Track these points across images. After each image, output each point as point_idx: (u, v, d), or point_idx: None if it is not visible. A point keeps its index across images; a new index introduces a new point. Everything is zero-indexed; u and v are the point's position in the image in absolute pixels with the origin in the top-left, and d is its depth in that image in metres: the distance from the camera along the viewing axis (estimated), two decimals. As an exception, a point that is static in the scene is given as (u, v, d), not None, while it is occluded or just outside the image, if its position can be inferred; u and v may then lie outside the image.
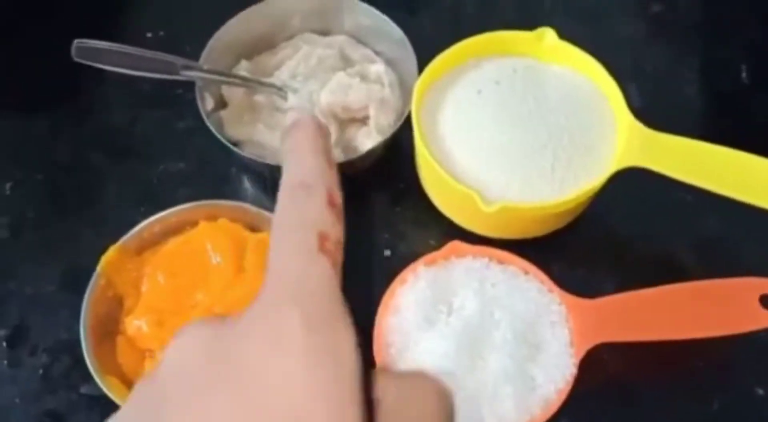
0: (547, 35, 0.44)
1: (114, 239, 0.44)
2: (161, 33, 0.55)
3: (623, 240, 0.46)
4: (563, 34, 0.54)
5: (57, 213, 0.48)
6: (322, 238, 0.21)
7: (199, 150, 0.50)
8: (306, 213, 0.22)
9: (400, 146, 0.47)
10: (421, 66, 0.47)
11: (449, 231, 0.46)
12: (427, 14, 0.56)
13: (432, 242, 0.46)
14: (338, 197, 0.22)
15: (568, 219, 0.44)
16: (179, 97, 0.51)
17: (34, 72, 0.53)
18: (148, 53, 0.43)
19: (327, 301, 0.20)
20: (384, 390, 0.19)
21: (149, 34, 0.55)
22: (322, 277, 0.20)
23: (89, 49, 0.42)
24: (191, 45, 0.54)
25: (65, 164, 0.49)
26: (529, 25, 0.55)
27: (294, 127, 0.24)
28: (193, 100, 0.46)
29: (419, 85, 0.43)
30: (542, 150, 0.40)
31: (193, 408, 0.19)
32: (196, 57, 0.48)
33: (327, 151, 0.24)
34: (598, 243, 0.46)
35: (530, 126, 0.41)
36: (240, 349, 0.19)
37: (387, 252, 0.46)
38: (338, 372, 0.18)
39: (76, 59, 0.42)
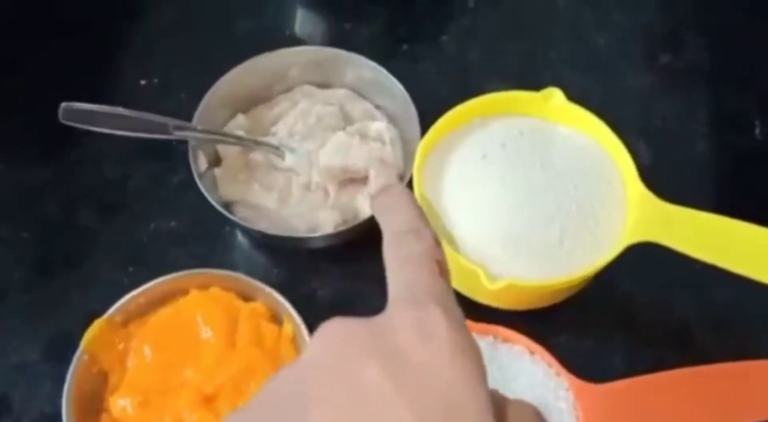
0: (555, 96, 0.43)
1: (101, 303, 0.43)
2: (155, 80, 0.54)
3: (633, 311, 0.44)
4: (569, 85, 0.52)
5: (44, 274, 0.46)
6: (440, 265, 0.25)
7: (192, 207, 0.48)
8: (421, 247, 0.26)
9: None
10: (424, 120, 0.46)
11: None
12: (430, 63, 0.54)
13: (433, 308, 0.45)
14: (440, 243, 0.27)
15: (576, 290, 0.42)
16: (173, 149, 0.49)
17: (22, 124, 0.51)
18: (139, 114, 0.41)
19: (456, 309, 0.23)
20: (500, 401, 0.22)
21: (143, 82, 0.53)
22: (448, 291, 0.24)
23: (76, 111, 0.40)
24: (186, 92, 0.53)
25: (54, 222, 0.48)
26: (535, 75, 0.54)
27: (386, 192, 0.30)
28: (188, 152, 0.45)
29: (421, 147, 0.42)
30: (549, 221, 0.39)
31: (345, 387, 0.21)
32: (191, 105, 0.47)
33: (421, 210, 0.28)
34: (606, 313, 0.44)
35: (537, 195, 0.39)
36: (389, 338, 0.21)
37: (387, 319, 0.44)
38: (477, 364, 0.21)
39: (63, 121, 0.41)
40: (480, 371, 0.21)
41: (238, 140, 0.44)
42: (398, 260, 0.26)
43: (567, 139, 0.43)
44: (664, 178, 0.46)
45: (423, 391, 0.20)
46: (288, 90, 0.49)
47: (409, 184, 0.42)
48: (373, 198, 0.31)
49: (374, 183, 0.44)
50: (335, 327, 0.23)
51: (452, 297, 0.24)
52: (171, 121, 0.41)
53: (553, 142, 0.42)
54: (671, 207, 0.39)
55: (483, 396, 0.21)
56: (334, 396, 0.21)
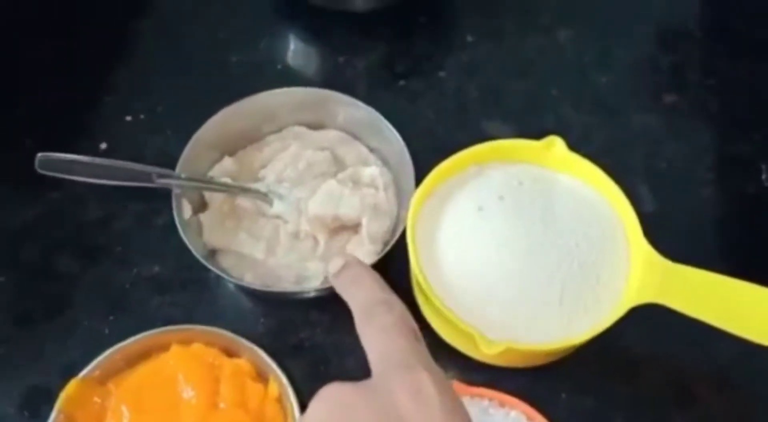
0: (556, 145, 0.41)
1: (80, 354, 0.41)
2: (141, 116, 0.52)
3: (634, 366, 0.42)
4: (571, 125, 0.51)
5: (21, 324, 0.44)
6: (414, 332, 0.28)
7: (176, 251, 0.45)
8: (394, 317, 0.28)
9: (392, 254, 0.43)
10: (419, 161, 0.44)
11: (445, 354, 0.41)
12: (427, 100, 0.52)
13: (426, 362, 0.43)
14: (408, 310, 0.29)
15: (577, 349, 0.40)
16: (158, 189, 0.47)
17: (1, 161, 0.49)
18: (119, 164, 0.39)
19: (437, 369, 0.26)
20: None
21: (129, 118, 0.52)
22: (427, 354, 0.27)
23: (54, 161, 0.38)
24: (173, 128, 0.51)
25: (32, 267, 0.46)
26: (535, 114, 0.52)
27: (346, 268, 0.32)
28: (172, 199, 0.43)
29: (415, 199, 0.40)
30: (550, 280, 0.37)
31: None
32: (178, 141, 0.45)
33: (383, 282, 0.30)
34: (607, 369, 0.42)
35: (537, 252, 0.37)
36: (387, 403, 0.24)
37: (377, 375, 0.42)
38: (466, 418, 0.24)
39: (41, 172, 0.39)
40: None
41: (225, 187, 0.43)
42: (374, 331, 0.28)
43: (569, 190, 0.41)
44: (668, 227, 0.44)
45: None
46: (278, 130, 0.47)
47: (405, 231, 0.40)
48: (334, 276, 0.32)
49: (367, 230, 0.42)
50: (335, 392, 0.25)
51: (432, 361, 0.26)
52: (154, 170, 0.40)
53: (555, 193, 0.40)
54: (677, 266, 0.37)
55: None
56: None
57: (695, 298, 0.36)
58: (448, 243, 0.39)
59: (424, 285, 0.37)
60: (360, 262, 0.33)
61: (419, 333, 0.28)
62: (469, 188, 0.41)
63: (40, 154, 0.38)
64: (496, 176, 0.41)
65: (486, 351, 0.35)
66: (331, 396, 0.25)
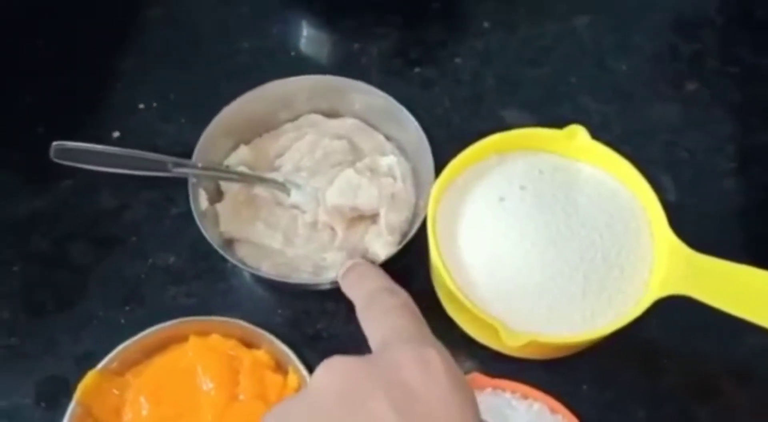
0: (579, 134, 0.40)
1: (96, 344, 0.41)
2: (154, 104, 0.51)
3: (656, 358, 0.42)
4: (589, 114, 0.50)
5: (34, 314, 0.43)
6: (416, 314, 0.28)
7: (192, 241, 0.45)
8: (399, 300, 0.28)
9: (412, 243, 0.42)
10: (436, 149, 0.43)
11: (466, 346, 0.41)
12: (443, 88, 0.52)
13: (446, 354, 0.42)
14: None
15: (599, 341, 0.39)
16: (173, 177, 0.46)
17: (13, 152, 0.49)
18: (135, 153, 0.38)
19: (447, 351, 0.25)
20: None
21: (142, 106, 0.51)
22: (429, 331, 0.27)
23: (69, 150, 0.37)
24: (186, 116, 0.51)
25: (45, 257, 0.45)
26: (553, 103, 0.51)
27: (352, 268, 0.33)
28: (188, 187, 0.42)
29: (435, 189, 0.39)
30: (573, 272, 0.36)
31: (356, 417, 0.22)
32: (191, 129, 0.44)
33: (388, 276, 0.31)
34: (629, 362, 0.42)
35: (560, 244, 0.37)
36: (394, 372, 0.23)
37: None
38: (472, 399, 0.24)
39: (55, 160, 0.38)
40: (474, 405, 0.24)
41: (242, 176, 0.42)
42: (376, 313, 0.28)
43: (591, 180, 0.40)
44: (689, 217, 0.43)
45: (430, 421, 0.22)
46: (294, 118, 0.47)
47: (424, 222, 0.40)
48: (342, 277, 0.33)
49: (385, 220, 0.41)
50: (340, 361, 0.24)
51: (438, 341, 0.26)
52: (169, 159, 0.39)
53: (577, 183, 0.40)
54: (702, 258, 0.36)
55: (478, 418, 0.24)
56: None
57: (720, 289, 0.35)
58: (469, 235, 0.38)
59: (445, 277, 0.36)
60: (366, 261, 0.33)
61: (422, 316, 0.28)
62: (490, 178, 0.40)
63: (55, 143, 0.38)
64: (517, 166, 0.40)
65: (510, 344, 0.34)
66: (336, 367, 0.24)
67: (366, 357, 0.24)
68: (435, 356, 0.24)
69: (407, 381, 0.23)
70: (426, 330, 0.27)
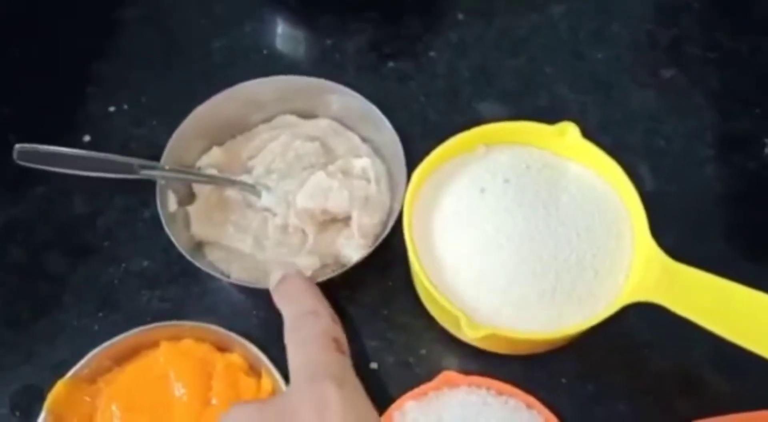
0: (569, 131, 0.39)
1: (71, 352, 0.40)
2: (125, 106, 0.50)
3: (636, 352, 0.41)
4: (566, 104, 0.50)
5: (7, 324, 0.43)
6: (337, 342, 0.28)
7: (164, 245, 0.44)
8: (319, 327, 0.29)
9: (389, 238, 0.42)
10: (410, 147, 0.42)
11: (442, 339, 0.41)
12: (418, 82, 0.51)
13: (423, 351, 0.42)
14: (338, 321, 0.30)
15: (572, 340, 0.39)
16: (145, 180, 0.45)
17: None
18: (101, 155, 0.38)
19: (353, 381, 0.26)
20: None
21: (112, 108, 0.50)
22: (345, 366, 0.27)
23: (33, 153, 0.37)
24: (158, 118, 0.50)
25: (19, 266, 0.44)
26: (530, 94, 0.50)
27: (283, 281, 0.33)
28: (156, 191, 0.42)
29: (416, 176, 0.39)
30: (545, 271, 0.36)
31: None
32: (163, 131, 0.44)
33: (318, 293, 0.31)
34: (610, 355, 0.41)
35: (536, 240, 0.36)
36: (287, 418, 0.24)
37: (373, 365, 0.41)
38: None
39: (19, 163, 0.38)
40: None
41: (210, 179, 0.41)
42: (298, 341, 0.29)
43: (578, 180, 0.39)
44: (668, 206, 0.43)
45: None
46: (269, 119, 0.46)
47: (398, 220, 0.39)
48: (273, 290, 0.33)
49: (357, 223, 0.41)
50: (239, 410, 0.25)
51: (350, 371, 0.27)
52: (136, 161, 0.38)
53: (562, 181, 0.39)
54: (680, 267, 0.35)
55: None
56: None
57: (693, 301, 0.34)
58: (446, 223, 0.38)
59: (416, 265, 0.36)
60: (299, 274, 0.34)
61: (345, 346, 0.29)
62: (475, 168, 0.39)
63: (18, 146, 0.37)
64: (503, 159, 0.40)
65: (470, 335, 0.34)
66: (235, 416, 0.25)
67: (266, 403, 0.26)
68: (334, 398, 0.25)
69: None
70: (339, 361, 0.27)
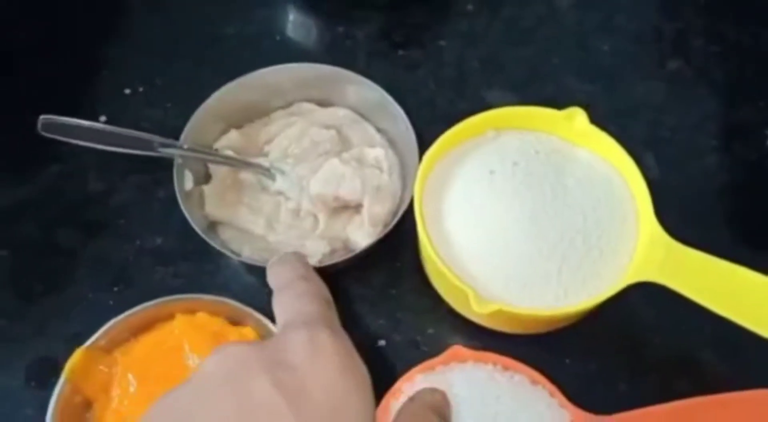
0: (578, 117, 0.40)
1: (86, 325, 0.41)
2: (140, 89, 0.51)
3: (638, 332, 0.42)
4: (573, 94, 0.51)
5: (22, 297, 0.44)
6: (327, 302, 0.28)
7: (179, 223, 0.45)
8: (311, 287, 0.29)
9: (399, 225, 0.43)
10: (420, 132, 0.44)
11: (449, 319, 0.42)
12: (427, 70, 0.52)
13: (431, 330, 0.43)
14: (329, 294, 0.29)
15: (577, 319, 0.40)
16: (160, 160, 0.45)
17: (0, 135, 0.49)
18: (122, 130, 0.39)
19: (344, 334, 0.26)
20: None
21: (127, 91, 0.51)
22: (336, 320, 0.27)
23: (56, 125, 0.38)
24: (173, 101, 0.51)
25: (33, 241, 0.45)
26: (537, 84, 0.51)
27: (279, 261, 0.32)
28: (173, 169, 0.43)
29: (427, 158, 0.40)
30: (551, 250, 0.36)
31: (236, 399, 0.22)
32: (177, 115, 0.45)
33: (310, 267, 0.31)
34: (612, 335, 0.42)
35: (542, 221, 0.37)
36: (281, 354, 0.24)
37: (381, 342, 0.42)
38: (362, 379, 0.24)
39: (43, 133, 0.38)
40: (365, 392, 0.24)
41: (227, 160, 0.42)
42: (285, 298, 0.28)
43: (584, 164, 0.40)
44: (672, 195, 0.44)
45: (310, 401, 0.22)
46: (287, 105, 0.47)
47: (408, 209, 0.40)
48: (268, 267, 0.32)
49: (368, 211, 0.42)
50: (231, 347, 0.24)
51: (339, 326, 0.27)
52: (156, 139, 0.39)
53: (569, 165, 0.40)
54: (683, 248, 0.36)
55: (368, 405, 0.24)
56: (224, 408, 0.22)
57: (696, 281, 0.35)
58: (456, 204, 0.39)
59: (425, 242, 0.37)
60: (295, 253, 0.34)
61: (333, 304, 0.29)
62: (484, 151, 0.40)
63: (42, 116, 0.38)
64: (512, 142, 0.41)
65: (477, 310, 0.35)
66: (226, 351, 0.24)
67: (257, 343, 0.25)
68: (327, 340, 0.24)
69: (294, 362, 0.23)
70: (331, 315, 0.27)
